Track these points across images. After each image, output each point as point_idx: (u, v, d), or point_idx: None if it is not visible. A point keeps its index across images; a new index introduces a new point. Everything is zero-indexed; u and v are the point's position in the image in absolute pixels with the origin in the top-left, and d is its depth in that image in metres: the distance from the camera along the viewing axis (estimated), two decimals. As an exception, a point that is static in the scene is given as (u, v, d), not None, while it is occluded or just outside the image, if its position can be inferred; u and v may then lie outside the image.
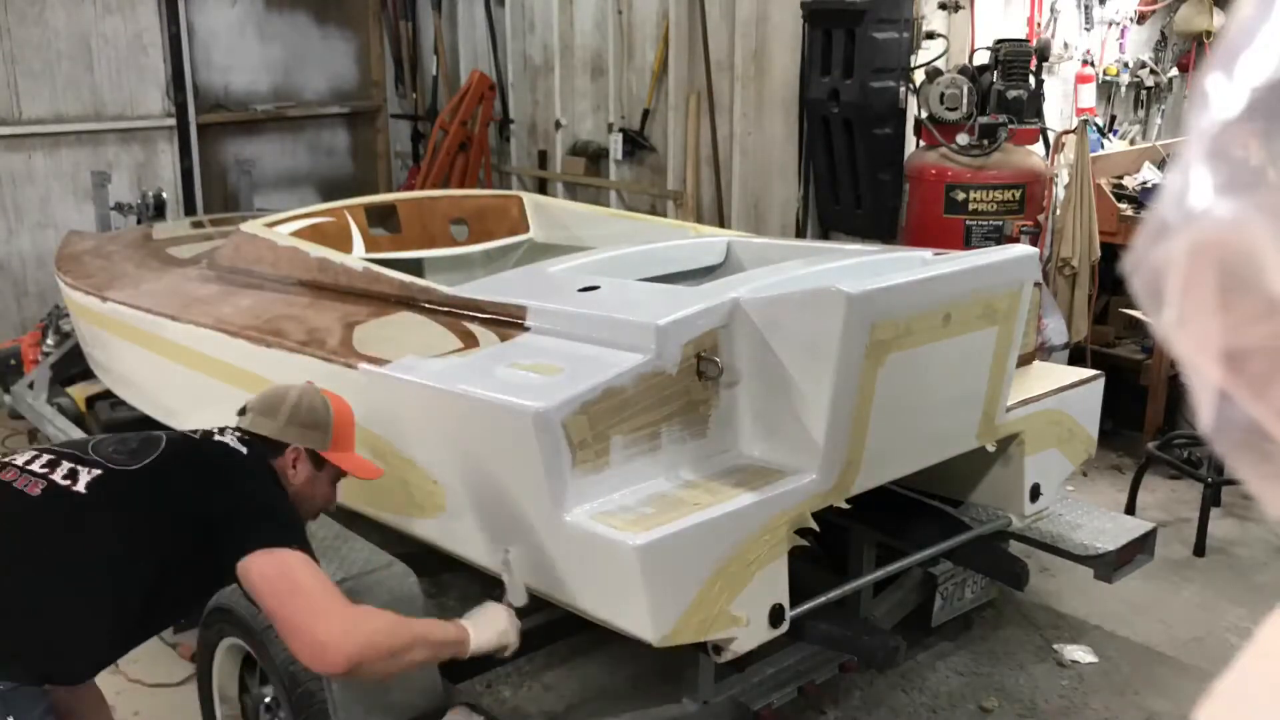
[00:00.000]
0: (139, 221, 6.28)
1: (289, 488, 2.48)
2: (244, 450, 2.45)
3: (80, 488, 2.21)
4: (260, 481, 2.42)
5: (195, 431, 2.52)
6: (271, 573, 2.16)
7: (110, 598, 2.18)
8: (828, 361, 2.48)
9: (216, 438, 2.47)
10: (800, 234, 5.99)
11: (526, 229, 4.68)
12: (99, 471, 2.25)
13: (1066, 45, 5.82)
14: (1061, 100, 5.78)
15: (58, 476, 2.23)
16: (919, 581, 3.66)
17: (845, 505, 2.73)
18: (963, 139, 5.04)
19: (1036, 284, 3.10)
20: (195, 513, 2.28)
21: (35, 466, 2.26)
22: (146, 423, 3.99)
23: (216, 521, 2.26)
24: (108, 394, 4.89)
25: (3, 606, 2.12)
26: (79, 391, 5.20)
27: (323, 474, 2.56)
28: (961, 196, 5.05)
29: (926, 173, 5.16)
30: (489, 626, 2.47)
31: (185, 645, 3.69)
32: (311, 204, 5.16)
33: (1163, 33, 6.40)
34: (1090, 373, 3.60)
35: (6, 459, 2.35)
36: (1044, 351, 4.62)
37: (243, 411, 2.57)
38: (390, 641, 2.18)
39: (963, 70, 5.12)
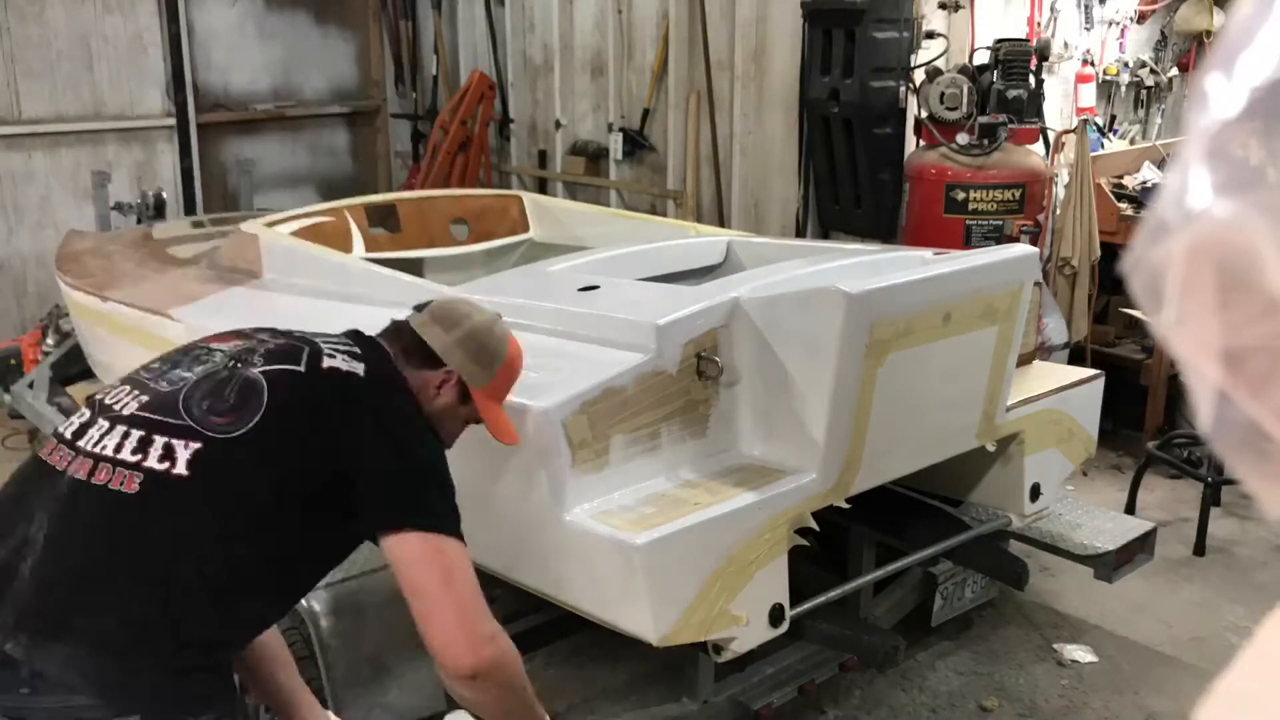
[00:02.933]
0: (139, 221, 6.28)
1: (424, 406, 2.15)
2: (361, 373, 2.05)
3: (180, 469, 1.86)
4: (410, 424, 2.08)
5: (295, 348, 2.06)
6: (431, 560, 1.95)
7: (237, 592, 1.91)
8: (828, 361, 2.48)
9: (327, 361, 2.04)
10: (800, 234, 5.99)
11: (526, 229, 4.67)
12: (198, 445, 1.88)
13: (1066, 45, 5.82)
14: (1061, 100, 5.78)
15: (153, 460, 1.87)
16: (919, 581, 3.67)
17: (845, 505, 2.73)
18: (963, 139, 5.03)
19: (1036, 284, 3.10)
20: (328, 468, 1.96)
21: (127, 454, 1.87)
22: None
23: (361, 477, 1.96)
24: (108, 394, 4.88)
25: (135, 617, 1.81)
26: (79, 391, 5.19)
27: (462, 410, 2.21)
28: (961, 196, 5.05)
29: (926, 172, 5.16)
30: None
31: None
32: (311, 204, 5.16)
33: (1163, 32, 6.40)
34: (1090, 372, 3.61)
35: (98, 446, 1.90)
36: (1044, 351, 4.62)
37: (420, 308, 2.26)
38: (518, 676, 2.03)
39: (963, 70, 5.11)
